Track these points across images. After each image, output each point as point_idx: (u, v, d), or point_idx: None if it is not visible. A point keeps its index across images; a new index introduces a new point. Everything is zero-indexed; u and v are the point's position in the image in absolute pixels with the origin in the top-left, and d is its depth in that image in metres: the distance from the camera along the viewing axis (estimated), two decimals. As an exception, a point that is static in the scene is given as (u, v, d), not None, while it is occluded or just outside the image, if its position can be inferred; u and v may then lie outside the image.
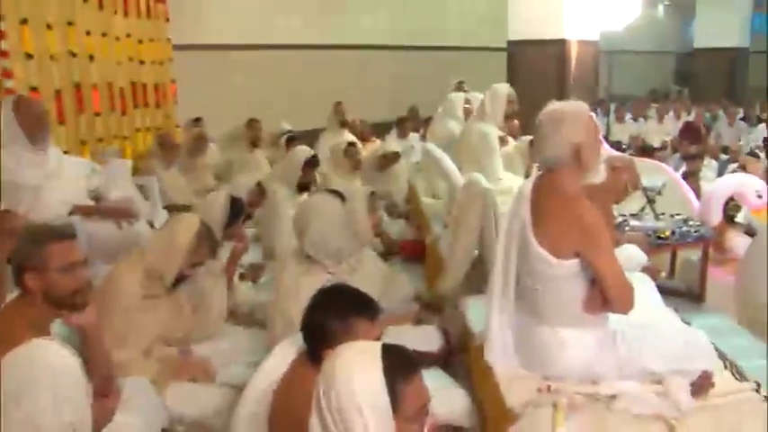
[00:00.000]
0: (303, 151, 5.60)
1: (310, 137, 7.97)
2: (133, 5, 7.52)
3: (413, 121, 9.52)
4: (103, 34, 6.95)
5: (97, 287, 3.13)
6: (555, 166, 2.59)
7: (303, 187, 5.44)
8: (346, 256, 3.54)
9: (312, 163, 5.54)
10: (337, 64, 11.28)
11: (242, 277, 4.67)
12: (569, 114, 2.59)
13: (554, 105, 2.66)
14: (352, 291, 2.43)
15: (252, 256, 5.11)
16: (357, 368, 1.65)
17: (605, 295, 2.56)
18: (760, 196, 4.97)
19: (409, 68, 12.56)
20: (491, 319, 2.79)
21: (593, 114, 5.83)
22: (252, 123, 7.69)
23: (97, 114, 6.85)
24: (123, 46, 7.34)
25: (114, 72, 7.19)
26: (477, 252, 4.13)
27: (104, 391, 2.54)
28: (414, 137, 8.93)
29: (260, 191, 5.55)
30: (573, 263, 2.54)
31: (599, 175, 2.66)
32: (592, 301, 2.60)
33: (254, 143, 7.53)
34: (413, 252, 5.56)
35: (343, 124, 8.22)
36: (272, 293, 3.62)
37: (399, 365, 1.67)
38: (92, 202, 4.56)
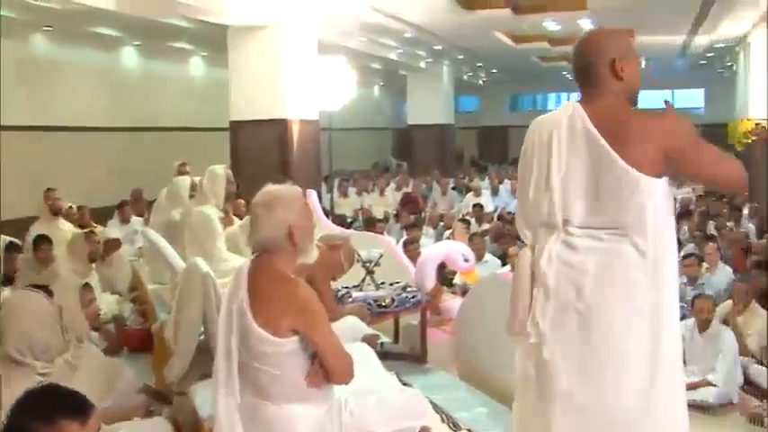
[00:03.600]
0: None
1: (19, 226, 7.38)
2: None
3: (135, 205, 9.21)
4: None
5: None
6: (269, 247, 2.65)
7: (8, 280, 5.00)
8: (57, 354, 3.30)
9: (13, 249, 5.13)
10: (51, 147, 10.65)
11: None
12: (281, 197, 2.67)
13: (267, 188, 2.72)
14: (60, 391, 2.27)
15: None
16: None
17: (326, 368, 2.64)
18: (467, 260, 5.42)
19: (132, 150, 12.22)
20: (217, 403, 2.75)
21: (314, 191, 6.03)
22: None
23: None
24: None
25: None
26: (202, 336, 4.06)
27: None
28: (137, 221, 8.63)
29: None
30: (292, 340, 2.59)
31: (313, 256, 2.75)
32: (314, 376, 2.65)
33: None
34: (139, 341, 5.32)
35: (56, 212, 7.60)
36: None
37: None
38: None
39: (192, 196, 6.04)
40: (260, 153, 9.05)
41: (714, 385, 5.02)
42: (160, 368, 4.36)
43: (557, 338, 2.38)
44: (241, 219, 6.46)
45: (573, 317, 2.36)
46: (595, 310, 2.33)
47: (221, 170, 5.48)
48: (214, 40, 10.55)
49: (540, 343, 2.39)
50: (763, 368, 5.48)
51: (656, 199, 2.33)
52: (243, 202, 7.15)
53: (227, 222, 6.12)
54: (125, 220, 8.66)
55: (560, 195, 2.39)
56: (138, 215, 8.91)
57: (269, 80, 9.10)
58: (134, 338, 5.40)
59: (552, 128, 2.43)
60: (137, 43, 12.76)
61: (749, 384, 5.36)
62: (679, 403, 2.43)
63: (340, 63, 10.02)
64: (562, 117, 2.43)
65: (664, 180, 2.35)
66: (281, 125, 9.15)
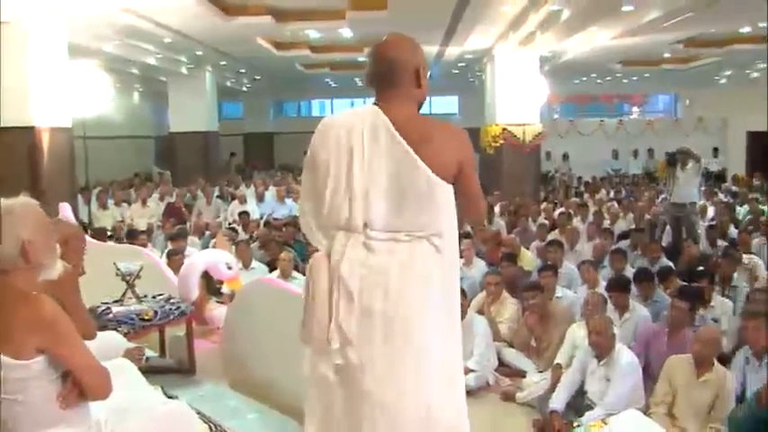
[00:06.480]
0: None
1: None
2: None
3: None
4: None
5: None
6: (3, 265, 2.43)
7: None
8: None
9: None
10: None
11: None
12: (13, 212, 2.46)
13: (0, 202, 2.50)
14: None
15: None
16: None
17: (80, 385, 2.49)
18: (230, 267, 5.37)
19: None
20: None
21: (68, 204, 5.66)
22: None
23: None
24: None
25: None
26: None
27: None
28: None
29: None
30: (38, 361, 2.41)
31: (56, 271, 2.55)
32: (69, 396, 2.49)
33: None
34: None
35: None
36: None
37: None
38: None
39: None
40: (5, 164, 8.32)
41: (473, 370, 5.36)
42: None
43: (362, 341, 2.41)
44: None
45: (378, 319, 2.40)
46: (399, 311, 2.40)
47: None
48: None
49: (345, 347, 2.41)
50: (514, 350, 5.95)
51: (448, 202, 2.47)
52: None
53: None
54: None
55: (363, 198, 2.42)
56: None
57: (12, 83, 8.36)
58: None
59: (352, 129, 2.45)
60: None
61: (503, 366, 5.79)
62: (463, 399, 2.59)
63: (92, 67, 9.49)
64: (363, 119, 2.46)
65: (451, 186, 2.47)
66: (28, 133, 8.49)
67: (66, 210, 6.12)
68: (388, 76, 2.52)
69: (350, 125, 2.47)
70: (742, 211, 12.45)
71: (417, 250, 2.44)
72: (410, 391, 2.41)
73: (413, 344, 2.41)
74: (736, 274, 6.93)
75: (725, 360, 4.80)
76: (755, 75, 18.19)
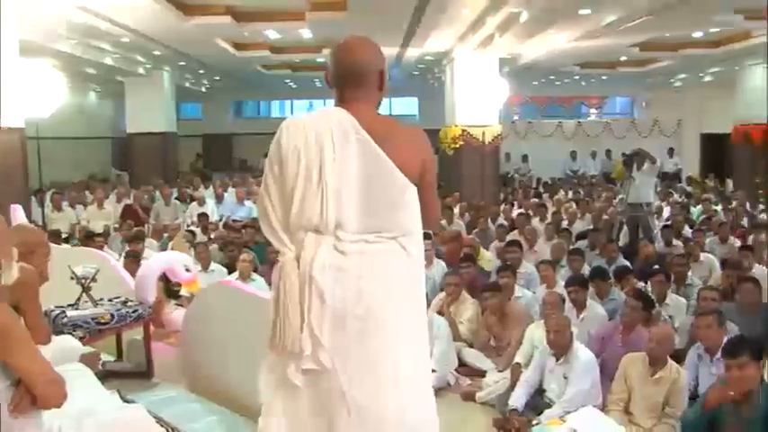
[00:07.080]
0: None
1: None
2: None
3: None
4: None
5: None
6: None
7: None
8: None
9: None
10: None
11: None
12: None
13: None
14: None
15: None
16: None
17: (33, 393, 2.43)
18: (188, 270, 5.32)
19: None
20: None
21: (20, 206, 5.55)
22: None
23: None
24: None
25: None
26: None
27: None
28: None
29: None
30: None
31: (10, 276, 2.48)
32: (21, 404, 2.43)
33: None
34: None
35: None
36: None
37: None
38: None
39: None
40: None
41: (433, 370, 5.38)
42: None
43: (335, 344, 2.36)
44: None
45: (352, 322, 2.36)
46: (371, 312, 2.37)
47: None
48: None
49: (317, 351, 2.35)
50: (474, 350, 5.99)
51: (415, 202, 2.48)
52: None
53: None
54: None
55: (335, 198, 2.36)
56: None
57: (-41, 83, 8.19)
58: None
59: (320, 129, 2.40)
60: None
61: (463, 366, 5.82)
62: (433, 398, 2.61)
63: (46, 66, 9.30)
64: (331, 119, 2.42)
65: (415, 187, 2.48)
66: (-23, 133, 8.30)
67: (17, 211, 6.01)
68: (353, 78, 2.49)
69: (317, 125, 2.42)
70: (696, 211, 12.70)
71: (387, 251, 2.43)
72: (385, 391, 2.39)
73: (386, 344, 2.40)
74: (690, 273, 7.07)
75: (679, 357, 4.90)
76: (708, 78, 18.56)
